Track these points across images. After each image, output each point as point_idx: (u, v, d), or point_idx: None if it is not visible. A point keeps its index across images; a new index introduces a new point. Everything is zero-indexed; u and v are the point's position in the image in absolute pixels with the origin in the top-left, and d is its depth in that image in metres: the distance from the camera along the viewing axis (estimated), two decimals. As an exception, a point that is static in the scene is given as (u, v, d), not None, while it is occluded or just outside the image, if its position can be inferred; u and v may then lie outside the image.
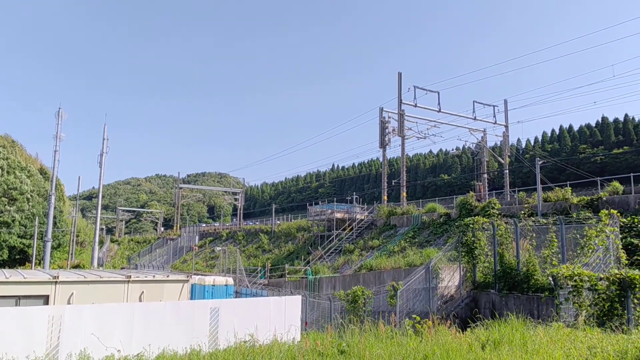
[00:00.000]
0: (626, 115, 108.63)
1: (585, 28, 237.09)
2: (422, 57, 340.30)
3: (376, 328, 10.72)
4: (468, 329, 11.39)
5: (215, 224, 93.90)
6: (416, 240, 33.32)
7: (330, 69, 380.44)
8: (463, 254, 21.52)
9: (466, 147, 53.61)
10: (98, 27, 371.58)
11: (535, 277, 18.75)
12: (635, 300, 12.45)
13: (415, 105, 42.56)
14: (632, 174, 24.90)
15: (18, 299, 14.71)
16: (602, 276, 13.41)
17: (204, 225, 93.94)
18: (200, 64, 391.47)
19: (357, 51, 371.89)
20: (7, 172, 59.71)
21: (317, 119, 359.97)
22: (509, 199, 39.63)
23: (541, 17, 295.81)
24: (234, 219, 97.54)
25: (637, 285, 12.38)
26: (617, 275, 12.89)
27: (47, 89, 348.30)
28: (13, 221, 56.43)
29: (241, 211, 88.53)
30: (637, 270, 13.95)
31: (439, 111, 44.08)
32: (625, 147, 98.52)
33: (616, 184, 25.57)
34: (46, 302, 15.09)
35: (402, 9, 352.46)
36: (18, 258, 56.53)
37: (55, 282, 15.44)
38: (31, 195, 59.86)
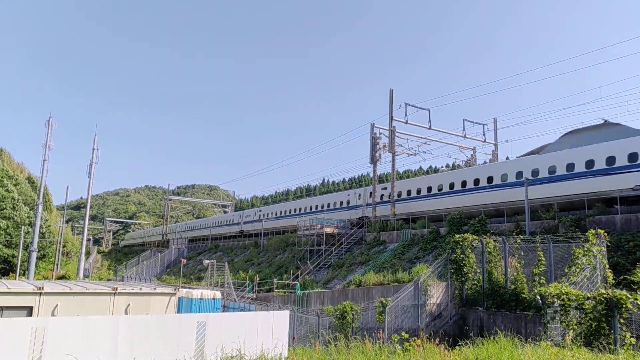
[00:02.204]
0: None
1: (575, 50, 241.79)
2: (414, 75, 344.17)
3: (364, 345, 10.66)
4: (456, 347, 11.36)
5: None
6: (405, 256, 33.30)
7: (322, 86, 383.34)
8: (452, 271, 21.53)
9: (456, 164, 53.77)
10: (91, 35, 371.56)
11: (523, 295, 18.82)
12: (622, 320, 12.52)
13: (406, 122, 42.80)
14: (618, 195, 25.11)
15: (1, 310, 14.44)
16: (589, 295, 13.49)
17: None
18: (194, 79, 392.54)
19: (349, 68, 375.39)
20: (-6, 180, 58.98)
21: (309, 134, 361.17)
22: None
23: (533, 39, 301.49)
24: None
25: (624, 305, 12.46)
26: (604, 295, 12.97)
27: (37, 96, 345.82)
28: (-2, 230, 55.57)
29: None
30: (623, 290, 14.07)
31: (430, 128, 44.35)
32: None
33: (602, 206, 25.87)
34: (30, 314, 14.82)
35: (395, 27, 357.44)
36: (2, 268, 55.55)
37: (40, 293, 15.19)
38: (17, 204, 59.10)
